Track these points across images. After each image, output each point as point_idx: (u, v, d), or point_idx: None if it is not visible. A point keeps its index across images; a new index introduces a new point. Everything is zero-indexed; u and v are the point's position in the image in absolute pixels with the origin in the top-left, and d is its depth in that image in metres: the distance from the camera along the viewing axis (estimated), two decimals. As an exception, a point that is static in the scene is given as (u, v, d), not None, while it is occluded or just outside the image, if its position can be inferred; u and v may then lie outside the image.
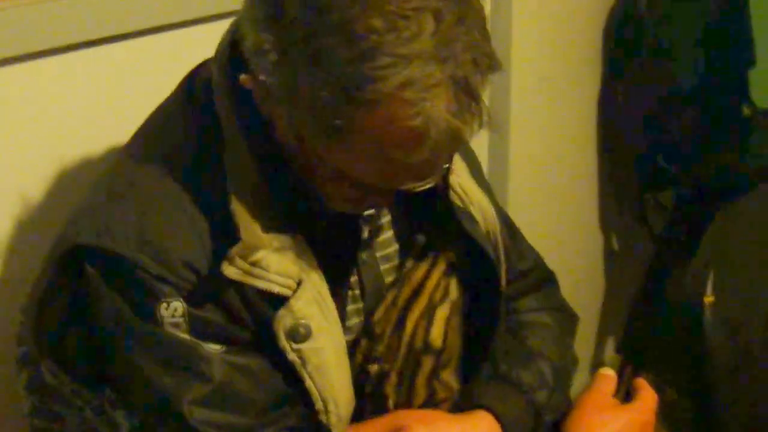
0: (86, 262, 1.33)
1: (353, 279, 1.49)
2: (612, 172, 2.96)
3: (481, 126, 1.24)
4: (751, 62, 2.75)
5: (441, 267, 1.50)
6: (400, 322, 1.47)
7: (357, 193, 1.32)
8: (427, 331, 1.47)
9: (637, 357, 2.66)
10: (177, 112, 1.42)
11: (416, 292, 1.49)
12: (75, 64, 1.65)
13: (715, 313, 2.31)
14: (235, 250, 1.30)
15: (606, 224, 3.02)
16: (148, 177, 1.36)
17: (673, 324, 2.51)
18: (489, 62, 1.23)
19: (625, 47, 2.80)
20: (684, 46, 2.74)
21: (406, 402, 1.49)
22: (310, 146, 1.27)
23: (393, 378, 1.47)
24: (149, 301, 1.32)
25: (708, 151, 2.74)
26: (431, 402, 1.49)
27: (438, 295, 1.49)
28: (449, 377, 1.50)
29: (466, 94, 1.20)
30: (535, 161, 2.73)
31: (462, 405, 1.51)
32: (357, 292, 1.50)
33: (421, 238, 1.53)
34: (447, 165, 1.43)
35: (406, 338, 1.47)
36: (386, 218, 1.53)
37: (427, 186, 1.38)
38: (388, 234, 1.53)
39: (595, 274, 3.06)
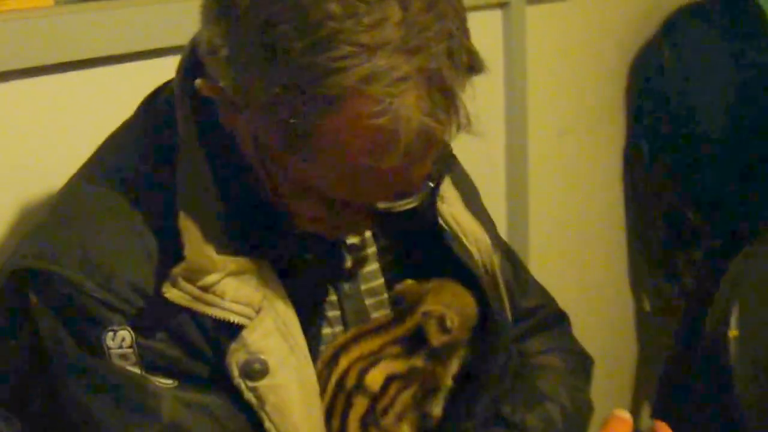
0: (28, 289, 1.19)
1: (332, 314, 1.34)
2: (639, 228, 2.83)
3: (459, 128, 1.10)
4: None
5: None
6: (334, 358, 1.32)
7: (327, 212, 1.18)
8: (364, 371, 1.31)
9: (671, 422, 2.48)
10: (134, 127, 1.29)
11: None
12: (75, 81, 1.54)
13: (740, 347, 2.13)
14: (176, 271, 1.15)
15: (636, 283, 2.88)
16: (96, 195, 1.23)
17: (698, 362, 2.33)
18: (468, 59, 1.10)
19: (649, 98, 2.71)
20: (711, 95, 2.63)
21: None
22: (271, 157, 1.14)
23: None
24: (94, 330, 1.17)
25: (739, 202, 2.62)
26: None
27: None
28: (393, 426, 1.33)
29: (440, 91, 1.07)
30: (557, 220, 2.62)
31: None
32: (338, 329, 1.35)
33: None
34: (431, 183, 1.29)
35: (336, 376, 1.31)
36: (372, 249, 1.39)
37: (409, 206, 1.24)
38: (374, 266, 1.39)
39: (628, 336, 2.92)
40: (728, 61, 2.66)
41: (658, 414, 2.67)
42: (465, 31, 1.11)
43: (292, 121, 1.05)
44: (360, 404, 1.29)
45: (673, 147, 2.68)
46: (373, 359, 1.30)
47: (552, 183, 2.55)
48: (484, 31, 2.28)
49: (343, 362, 1.29)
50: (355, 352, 1.30)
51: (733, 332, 2.14)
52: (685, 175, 2.67)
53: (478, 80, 1.12)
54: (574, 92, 2.58)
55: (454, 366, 1.35)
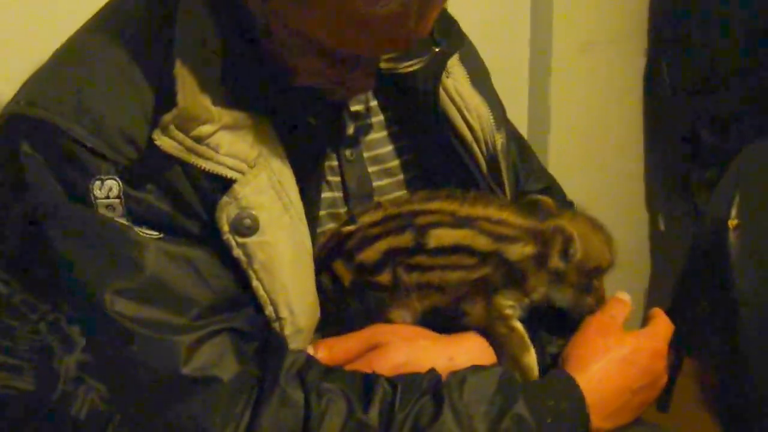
0: (19, 135, 1.11)
1: (333, 179, 1.28)
2: (657, 146, 2.75)
3: None
4: None
5: None
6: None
7: (327, 65, 1.11)
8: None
9: (682, 338, 2.41)
10: None
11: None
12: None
13: (740, 236, 2.05)
14: (168, 118, 1.08)
15: (651, 202, 2.80)
16: (96, 46, 1.16)
17: (697, 250, 2.25)
18: None
19: (671, 17, 2.61)
20: (732, 18, 2.52)
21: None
22: (273, 6, 1.06)
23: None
24: (82, 179, 1.09)
25: (755, 123, 2.52)
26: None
27: None
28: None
29: None
30: (577, 132, 2.54)
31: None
32: (338, 194, 1.28)
33: None
34: (436, 48, 1.21)
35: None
36: (378, 118, 1.32)
37: (411, 68, 1.17)
38: (380, 134, 1.32)
39: (641, 255, 2.84)
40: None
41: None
42: None
43: None
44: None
45: (692, 67, 2.58)
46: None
47: (573, 94, 2.48)
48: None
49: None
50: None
51: (732, 221, 2.05)
52: (703, 94, 2.57)
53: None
54: (599, 5, 2.49)
55: (511, 297, 1.25)
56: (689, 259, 2.44)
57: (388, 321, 1.24)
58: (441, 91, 1.29)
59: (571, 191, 2.50)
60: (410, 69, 1.22)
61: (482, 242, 1.21)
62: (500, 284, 1.22)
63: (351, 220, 1.25)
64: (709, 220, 2.15)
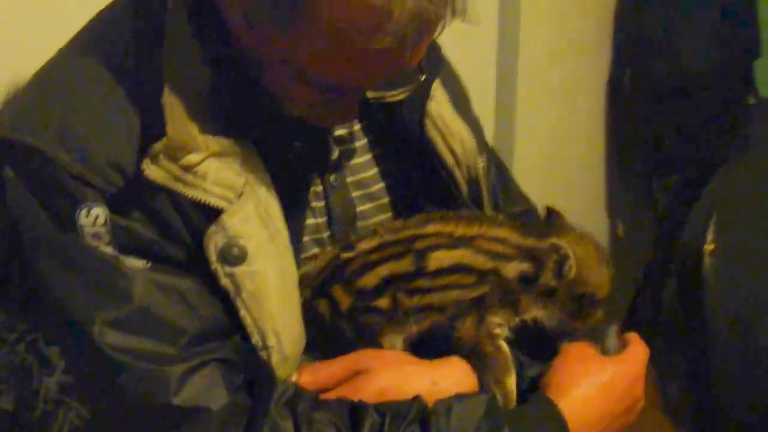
0: (3, 160, 1.10)
1: (317, 204, 1.28)
2: (620, 155, 2.76)
3: (454, 14, 1.03)
4: (755, 54, 2.63)
5: None
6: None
7: (317, 97, 1.11)
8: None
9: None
10: (124, 2, 1.20)
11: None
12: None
13: (716, 261, 2.07)
14: (157, 147, 1.07)
15: (612, 208, 2.81)
16: (81, 68, 1.14)
17: (671, 276, 2.28)
18: None
19: (635, 29, 2.64)
20: (694, 30, 2.57)
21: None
22: (263, 35, 1.06)
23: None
24: (68, 207, 1.08)
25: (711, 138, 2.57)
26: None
27: None
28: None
29: None
30: (542, 142, 2.56)
31: None
32: (322, 220, 1.28)
33: None
34: (421, 77, 1.22)
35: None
36: (361, 142, 1.32)
37: (398, 97, 1.17)
38: (364, 158, 1.32)
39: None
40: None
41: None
42: None
43: None
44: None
45: (656, 76, 2.61)
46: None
47: (539, 103, 2.49)
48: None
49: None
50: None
51: (708, 246, 2.07)
52: (664, 105, 2.61)
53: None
54: (566, 18, 2.50)
55: (502, 316, 1.26)
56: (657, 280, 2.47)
57: (379, 346, 1.25)
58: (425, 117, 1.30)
59: (534, 197, 2.53)
60: (397, 98, 1.23)
61: (480, 260, 1.22)
62: (495, 303, 1.23)
63: (348, 246, 1.25)
64: (681, 246, 2.17)
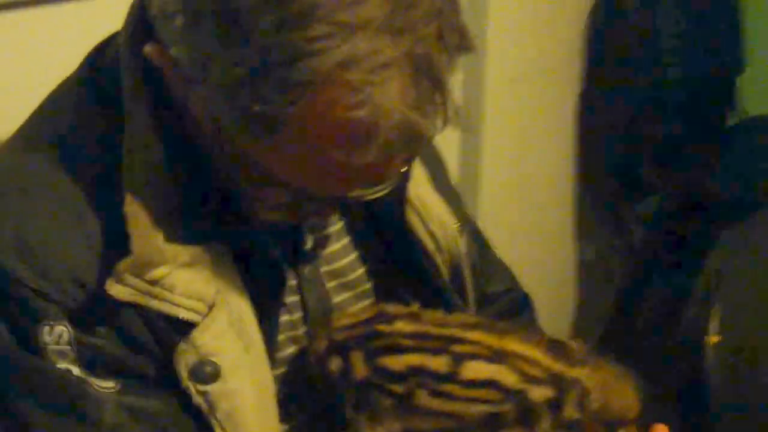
0: None
1: (291, 300, 1.18)
2: (589, 179, 2.70)
3: (446, 122, 0.94)
4: (739, 69, 2.46)
5: None
6: None
7: (290, 201, 1.02)
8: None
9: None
10: (75, 91, 1.10)
11: None
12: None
13: (720, 354, 1.92)
14: (122, 267, 0.99)
15: (581, 234, 2.75)
16: (33, 169, 1.05)
17: (668, 370, 2.13)
18: (459, 39, 0.93)
19: (606, 47, 2.55)
20: (669, 47, 2.46)
21: None
22: (231, 140, 0.96)
23: None
24: (29, 324, 1.01)
25: (690, 160, 2.46)
26: None
27: None
28: None
29: (428, 79, 0.90)
30: (509, 166, 2.49)
31: None
32: (297, 316, 1.19)
33: None
34: (404, 169, 1.13)
35: None
36: (335, 227, 1.23)
37: (380, 194, 1.08)
38: (340, 243, 1.23)
39: (567, 287, 2.79)
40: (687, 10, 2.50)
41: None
42: (455, 6, 0.94)
43: (255, 108, 0.89)
44: None
45: (627, 98, 2.51)
46: None
47: (505, 129, 2.42)
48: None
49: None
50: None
51: (713, 338, 1.92)
52: (637, 127, 2.50)
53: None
54: (533, 39, 2.43)
55: None
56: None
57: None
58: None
59: (502, 223, 2.46)
60: (377, 195, 1.14)
61: (511, 380, 1.15)
62: (511, 422, 1.16)
63: (386, 318, 1.17)
64: (680, 338, 2.02)
